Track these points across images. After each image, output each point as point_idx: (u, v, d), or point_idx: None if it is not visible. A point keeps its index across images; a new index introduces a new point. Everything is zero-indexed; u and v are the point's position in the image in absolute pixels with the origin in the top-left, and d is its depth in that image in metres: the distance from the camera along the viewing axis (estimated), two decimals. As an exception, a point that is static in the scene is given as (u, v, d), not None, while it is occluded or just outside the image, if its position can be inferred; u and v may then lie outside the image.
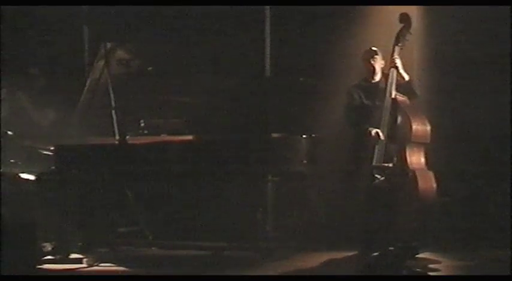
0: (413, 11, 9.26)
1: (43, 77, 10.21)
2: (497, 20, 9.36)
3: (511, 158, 9.18)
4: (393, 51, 8.66)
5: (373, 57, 8.85)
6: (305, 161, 8.89)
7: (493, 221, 9.15)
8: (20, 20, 10.42)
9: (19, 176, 9.09)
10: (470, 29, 9.51)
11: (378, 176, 8.60)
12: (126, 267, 8.74)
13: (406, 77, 8.73)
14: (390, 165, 8.60)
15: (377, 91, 8.78)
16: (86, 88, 9.17)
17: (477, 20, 9.42)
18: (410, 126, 8.56)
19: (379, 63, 8.86)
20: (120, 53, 9.07)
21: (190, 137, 8.99)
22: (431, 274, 8.07)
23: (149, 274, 8.43)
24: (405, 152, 8.59)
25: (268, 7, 10.20)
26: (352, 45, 9.51)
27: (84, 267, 8.66)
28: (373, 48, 8.89)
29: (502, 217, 9.03)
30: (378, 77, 8.87)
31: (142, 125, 9.28)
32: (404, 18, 8.68)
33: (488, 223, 9.16)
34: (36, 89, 10.17)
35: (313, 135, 9.00)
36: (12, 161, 9.17)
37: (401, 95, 8.70)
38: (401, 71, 8.72)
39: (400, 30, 8.67)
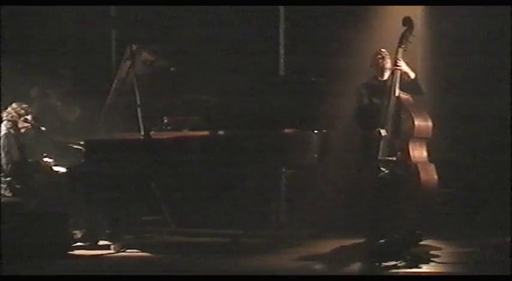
0: (417, 14, 9.36)
1: (73, 77, 10.41)
2: (497, 20, 9.42)
3: (510, 152, 9.18)
4: (397, 52, 8.69)
5: (383, 58, 8.89)
6: (316, 155, 9.05)
7: (491, 211, 9.20)
8: (50, 23, 10.50)
9: (52, 169, 9.22)
10: (472, 30, 9.58)
11: (383, 169, 8.60)
12: (150, 253, 8.86)
13: (412, 75, 8.78)
14: (394, 158, 8.63)
15: (384, 90, 8.79)
16: (113, 87, 9.17)
17: (478, 20, 9.50)
18: (413, 123, 8.61)
19: (387, 64, 8.87)
20: (145, 55, 9.05)
21: (209, 133, 9.03)
22: (433, 259, 8.10)
23: (170, 260, 8.52)
24: (408, 147, 8.63)
25: (282, 12, 10.28)
26: (359, 46, 9.58)
27: (112, 253, 8.77)
28: (383, 49, 8.92)
29: (500, 206, 9.05)
30: (386, 76, 8.90)
31: (165, 121, 9.30)
32: (408, 22, 8.69)
33: (487, 212, 9.22)
34: (66, 89, 10.32)
35: (323, 131, 9.12)
36: (45, 154, 9.31)
37: (404, 93, 8.72)
38: (407, 69, 8.75)
39: (404, 33, 8.68)
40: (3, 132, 9.17)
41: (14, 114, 9.27)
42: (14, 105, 9.31)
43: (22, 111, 9.30)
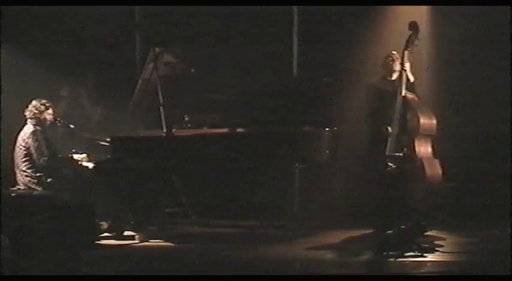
0: (422, 18, 9.41)
1: (100, 78, 10.48)
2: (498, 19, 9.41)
3: (510, 149, 9.25)
4: (403, 55, 8.74)
5: (393, 60, 8.94)
6: (328, 151, 9.08)
7: (492, 203, 9.22)
8: (82, 29, 10.58)
9: (80, 164, 9.23)
10: (474, 30, 9.58)
11: (391, 164, 8.67)
12: (172, 243, 8.90)
13: (412, 79, 8.82)
14: (401, 154, 8.67)
15: (391, 89, 8.86)
16: (137, 88, 9.24)
17: (480, 20, 9.52)
18: (418, 120, 8.65)
19: (397, 66, 8.91)
20: (167, 57, 9.09)
21: (227, 130, 9.10)
22: (437, 249, 8.18)
23: (191, 249, 8.59)
24: (414, 143, 8.67)
25: (296, 16, 10.31)
26: (368, 48, 9.65)
27: (136, 243, 8.86)
28: (394, 52, 8.98)
29: (500, 199, 9.09)
30: (394, 77, 8.96)
31: (186, 119, 9.37)
32: (413, 26, 8.72)
33: (488, 205, 9.23)
34: (93, 89, 10.43)
35: (334, 128, 9.17)
36: (73, 150, 9.33)
37: (410, 93, 8.77)
38: (409, 73, 8.79)
39: (409, 37, 8.70)
40: (31, 130, 9.16)
41: (36, 111, 9.20)
42: (33, 102, 9.23)
43: (42, 107, 9.23)
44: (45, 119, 9.25)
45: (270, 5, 9.95)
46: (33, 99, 9.28)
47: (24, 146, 9.12)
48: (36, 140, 9.11)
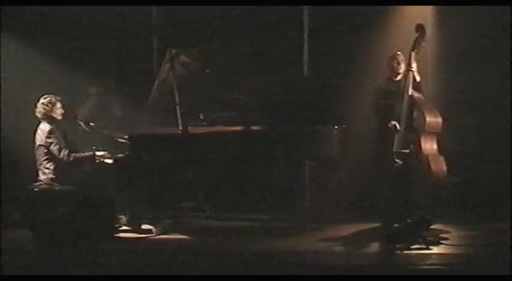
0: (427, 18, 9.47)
1: (120, 78, 10.53)
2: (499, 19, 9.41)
3: (510, 146, 9.26)
4: (410, 56, 8.77)
5: (398, 62, 8.95)
6: (336, 148, 9.16)
7: (493, 198, 9.24)
8: (103, 33, 10.60)
9: (101, 160, 9.09)
10: (475, 30, 9.58)
11: (398, 160, 8.72)
12: (188, 236, 8.95)
13: (418, 79, 8.84)
14: (408, 151, 8.72)
15: (398, 89, 8.88)
16: (154, 87, 9.22)
17: (481, 20, 9.51)
18: (424, 119, 8.68)
19: (402, 68, 8.93)
20: (183, 58, 9.09)
21: (240, 128, 9.14)
22: (442, 242, 8.23)
23: (206, 242, 8.62)
24: (420, 140, 8.70)
25: (306, 21, 10.33)
26: (376, 49, 9.64)
27: (153, 236, 8.87)
28: (398, 52, 8.98)
29: (501, 194, 9.13)
30: (400, 77, 8.96)
31: (201, 117, 9.41)
32: (420, 29, 8.77)
33: (490, 199, 9.26)
34: (112, 88, 10.45)
35: (343, 126, 9.22)
36: (94, 147, 9.27)
37: (417, 92, 8.80)
38: (416, 73, 8.82)
39: (416, 39, 8.74)
40: (47, 128, 9.01)
41: (44, 109, 8.98)
42: (41, 100, 9.02)
43: (49, 104, 8.98)
44: (56, 114, 9.07)
45: (280, 5, 9.95)
46: (40, 97, 9.09)
47: (43, 145, 9.03)
48: (55, 137, 8.98)
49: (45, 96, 9.09)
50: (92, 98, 10.30)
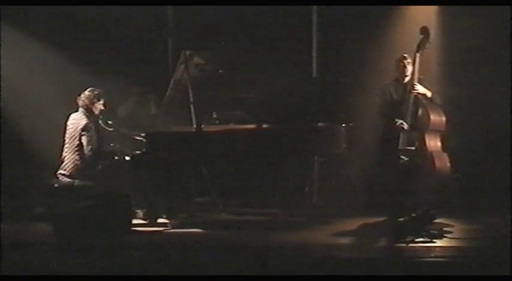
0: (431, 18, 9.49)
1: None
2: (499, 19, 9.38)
3: (510, 143, 9.25)
4: (415, 57, 8.76)
5: (405, 65, 8.93)
6: (344, 145, 9.17)
7: (495, 193, 9.23)
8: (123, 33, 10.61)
9: (120, 157, 9.13)
10: (476, 30, 9.60)
11: (403, 157, 8.71)
12: (202, 229, 8.95)
13: (429, 95, 8.82)
14: (413, 148, 8.73)
15: (404, 90, 8.88)
16: (170, 87, 9.23)
17: (483, 20, 9.52)
18: (429, 117, 8.70)
19: (409, 70, 8.90)
20: (197, 59, 9.08)
21: (252, 126, 9.13)
22: (445, 235, 8.20)
23: (219, 235, 8.62)
24: (425, 138, 8.72)
25: (315, 23, 10.34)
26: (382, 51, 9.64)
27: (168, 229, 8.87)
28: (405, 54, 8.96)
29: (502, 190, 9.11)
30: (407, 79, 8.93)
31: (214, 116, 9.42)
32: (424, 31, 8.76)
33: (492, 194, 9.25)
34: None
35: (350, 124, 9.24)
36: (111, 144, 9.37)
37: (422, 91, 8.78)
38: (425, 91, 8.80)
39: (421, 41, 8.72)
40: (84, 121, 9.00)
41: (87, 101, 9.00)
42: (87, 92, 9.04)
43: (95, 98, 9.03)
44: (95, 108, 9.09)
45: (289, 4, 9.96)
46: (87, 88, 9.11)
47: (75, 136, 8.99)
48: (88, 132, 8.99)
49: (92, 89, 9.11)
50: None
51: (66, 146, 9.09)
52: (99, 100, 9.13)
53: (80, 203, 8.34)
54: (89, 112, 9.10)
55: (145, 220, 9.18)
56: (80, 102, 9.10)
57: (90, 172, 9.04)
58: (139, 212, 9.24)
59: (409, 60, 8.94)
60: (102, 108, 9.17)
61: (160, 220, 9.15)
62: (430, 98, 8.87)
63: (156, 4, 10.16)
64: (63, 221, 8.15)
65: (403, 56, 9.02)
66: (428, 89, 8.89)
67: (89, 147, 9.00)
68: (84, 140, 9.01)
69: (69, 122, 9.12)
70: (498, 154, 9.51)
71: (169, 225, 9.02)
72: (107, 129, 9.37)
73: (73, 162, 9.04)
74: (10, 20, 9.93)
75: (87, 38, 10.44)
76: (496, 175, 9.43)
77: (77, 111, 9.15)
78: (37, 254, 7.85)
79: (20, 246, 8.06)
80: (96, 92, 9.11)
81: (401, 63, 8.99)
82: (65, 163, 9.06)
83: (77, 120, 9.09)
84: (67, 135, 9.09)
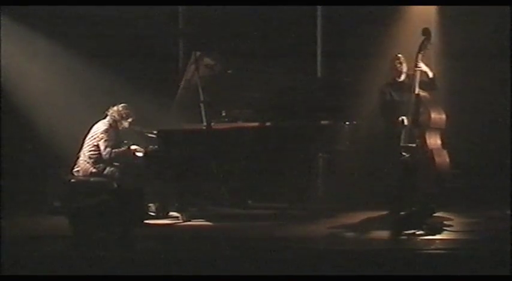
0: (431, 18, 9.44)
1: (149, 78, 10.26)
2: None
3: (510, 141, 9.14)
4: (417, 57, 8.63)
5: (400, 63, 8.83)
6: (347, 142, 9.17)
7: (494, 188, 9.17)
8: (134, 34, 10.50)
9: (134, 153, 9.20)
10: (476, 30, 9.51)
11: (404, 154, 8.63)
12: (211, 222, 8.95)
13: (430, 75, 8.73)
14: (414, 145, 8.64)
15: (403, 88, 8.77)
16: (181, 86, 9.23)
17: (478, 20, 9.40)
18: (429, 116, 8.61)
19: (404, 68, 8.81)
20: (207, 60, 9.09)
21: (260, 124, 9.14)
22: (445, 229, 8.16)
23: (228, 228, 8.61)
24: (425, 135, 8.63)
25: (320, 21, 10.26)
26: (386, 50, 9.48)
27: (180, 222, 8.88)
28: (399, 54, 8.86)
29: (501, 185, 9.05)
30: (403, 77, 8.83)
31: (223, 114, 9.42)
32: (426, 32, 8.66)
33: (490, 189, 9.20)
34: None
35: (353, 122, 9.23)
36: (125, 142, 9.34)
37: (422, 91, 8.67)
38: (426, 69, 8.69)
39: (423, 42, 8.63)
40: (105, 126, 9.09)
41: (117, 115, 9.10)
42: (120, 107, 9.12)
43: (125, 115, 9.12)
44: (122, 125, 9.15)
45: (294, 4, 9.88)
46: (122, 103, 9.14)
47: (94, 138, 9.09)
48: (107, 135, 9.05)
49: (125, 105, 9.15)
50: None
51: (85, 146, 9.16)
52: (128, 118, 9.17)
53: (95, 198, 8.27)
54: (114, 124, 9.17)
55: (157, 214, 9.15)
56: (110, 114, 9.17)
57: (105, 170, 9.09)
58: (152, 206, 9.18)
59: (402, 59, 8.84)
60: (127, 127, 9.20)
61: (172, 214, 9.15)
62: (430, 97, 8.78)
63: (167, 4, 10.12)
64: (79, 214, 8.06)
65: (396, 55, 8.92)
66: (429, 92, 8.80)
67: (106, 149, 9.08)
68: (102, 142, 9.09)
69: (94, 127, 9.19)
70: (497, 150, 9.44)
71: (180, 218, 9.00)
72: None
73: (87, 162, 9.11)
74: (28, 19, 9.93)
75: (101, 40, 10.32)
76: (495, 171, 9.38)
77: (104, 118, 9.22)
78: (55, 246, 7.82)
79: (37, 238, 8.05)
80: (127, 110, 9.15)
81: (396, 62, 8.88)
82: (80, 162, 9.14)
83: (99, 127, 9.17)
84: (88, 136, 9.16)
